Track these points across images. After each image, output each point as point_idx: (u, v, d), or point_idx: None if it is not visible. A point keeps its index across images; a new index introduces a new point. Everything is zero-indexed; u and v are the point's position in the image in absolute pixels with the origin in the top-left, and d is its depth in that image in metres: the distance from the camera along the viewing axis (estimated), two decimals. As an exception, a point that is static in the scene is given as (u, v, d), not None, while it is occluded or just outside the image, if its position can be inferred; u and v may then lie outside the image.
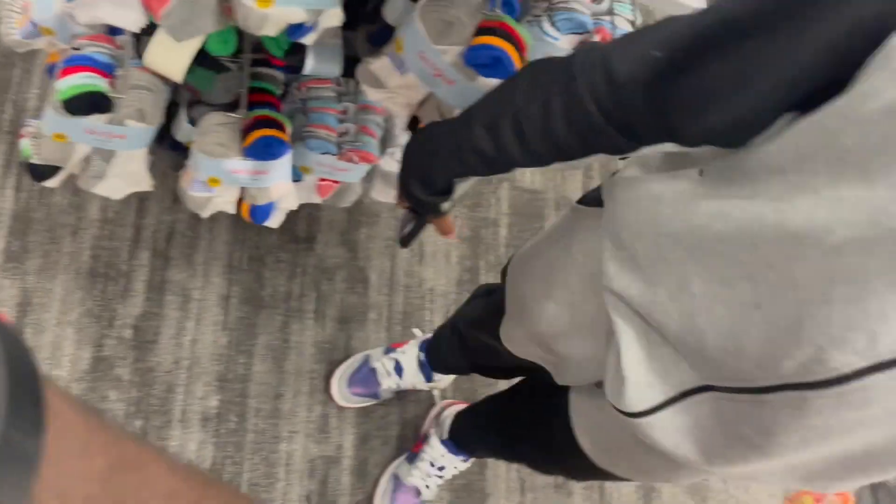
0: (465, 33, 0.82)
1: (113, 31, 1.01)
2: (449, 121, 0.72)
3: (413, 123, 0.97)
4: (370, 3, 0.97)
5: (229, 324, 1.44)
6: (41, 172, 1.12)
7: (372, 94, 0.93)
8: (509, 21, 0.82)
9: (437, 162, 0.73)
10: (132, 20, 0.83)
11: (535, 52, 0.89)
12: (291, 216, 1.54)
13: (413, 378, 1.43)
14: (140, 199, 1.42)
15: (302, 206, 1.48)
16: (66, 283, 1.31)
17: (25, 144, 1.11)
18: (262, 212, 1.14)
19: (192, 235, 1.45)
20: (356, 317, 1.56)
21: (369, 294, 1.59)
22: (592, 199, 0.77)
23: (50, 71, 1.11)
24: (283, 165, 1.09)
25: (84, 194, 1.35)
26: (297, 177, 1.22)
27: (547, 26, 0.90)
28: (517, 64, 0.82)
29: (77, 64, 0.99)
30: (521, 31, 0.83)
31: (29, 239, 1.30)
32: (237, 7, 0.80)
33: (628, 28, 0.90)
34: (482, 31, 0.82)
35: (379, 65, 0.88)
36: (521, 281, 0.90)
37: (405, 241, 0.90)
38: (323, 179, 1.24)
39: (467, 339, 1.19)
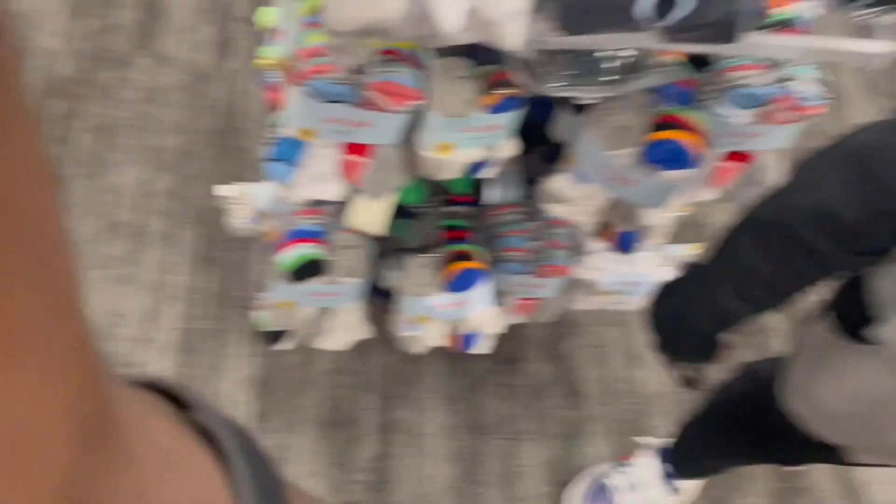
0: (636, 134, 0.82)
1: (319, 202, 1.15)
2: (683, 289, 0.79)
3: (601, 228, 0.97)
4: (541, 126, 1.02)
5: (457, 455, 1.46)
6: (274, 337, 1.26)
7: (556, 210, 0.95)
8: (679, 112, 0.82)
9: (691, 336, 0.80)
10: (335, 192, 0.93)
11: (717, 134, 0.88)
12: (499, 338, 1.58)
13: (655, 492, 1.34)
14: (360, 345, 1.53)
15: (509, 327, 1.51)
16: (309, 435, 1.42)
17: (259, 315, 1.25)
18: (470, 340, 1.18)
19: (411, 373, 1.52)
20: (574, 432, 1.53)
21: (583, 406, 1.55)
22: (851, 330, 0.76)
23: (273, 248, 1.26)
24: (482, 293, 1.14)
25: (313, 350, 1.49)
26: (498, 301, 1.25)
27: (723, 107, 0.88)
28: (699, 151, 0.81)
29: (294, 237, 1.12)
30: (695, 117, 0.82)
31: (273, 398, 1.44)
32: (421, 160, 0.88)
33: (816, 90, 0.85)
34: (656, 126, 0.82)
35: (559, 182, 0.91)
36: (827, 408, 0.85)
37: (695, 386, 0.94)
38: (522, 299, 1.27)
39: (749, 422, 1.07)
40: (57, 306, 0.18)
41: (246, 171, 1.63)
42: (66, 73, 1.67)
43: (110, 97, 1.61)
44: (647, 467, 1.36)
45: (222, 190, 1.56)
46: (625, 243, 0.97)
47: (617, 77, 0.76)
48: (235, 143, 1.65)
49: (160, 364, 1.41)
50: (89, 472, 0.19)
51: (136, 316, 1.44)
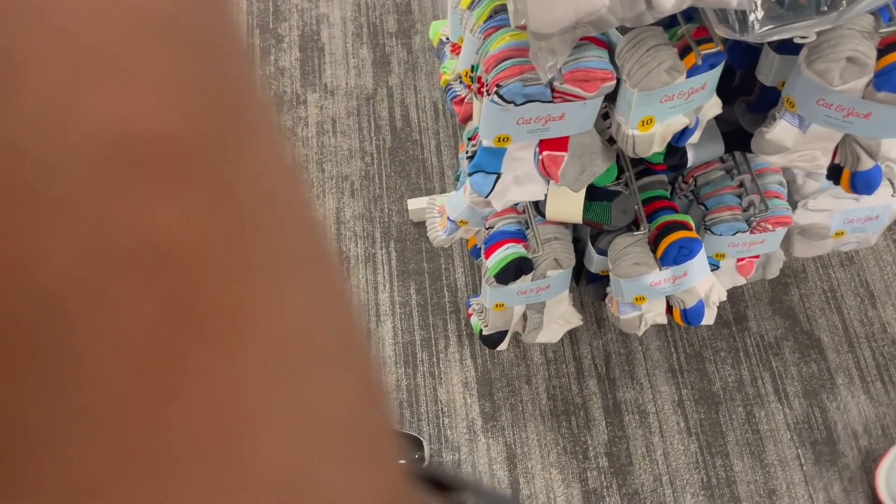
0: (867, 61, 0.73)
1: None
2: None
3: (834, 171, 0.88)
4: (737, 76, 0.94)
5: (693, 428, 1.40)
6: (493, 340, 1.27)
7: (776, 161, 0.87)
8: (917, 24, 0.72)
9: None
10: (537, 191, 0.91)
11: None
12: (713, 302, 1.49)
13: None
14: (570, 332, 1.51)
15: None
16: (536, 428, 1.43)
17: (475, 321, 1.27)
18: (694, 313, 1.12)
19: (626, 352, 1.48)
20: (818, 387, 1.41)
21: (828, 357, 1.43)
22: None
23: (474, 254, 1.27)
24: (699, 262, 1.07)
25: (525, 344, 1.49)
26: (714, 266, 1.18)
27: (960, 5, 0.76)
28: (949, 64, 0.70)
29: (496, 240, 1.12)
30: (936, 27, 0.71)
31: (495, 397, 1.46)
32: (623, 140, 0.84)
33: None
34: (888, 48, 0.72)
35: (776, 131, 0.83)
36: None
37: None
38: (741, 259, 1.18)
39: None
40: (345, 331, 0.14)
41: (426, 182, 1.66)
42: (247, 125, 1.79)
43: (290, 137, 1.70)
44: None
45: (412, 204, 1.60)
46: (864, 184, 0.86)
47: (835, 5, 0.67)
48: (410, 156, 1.69)
49: (386, 380, 1.47)
50: None
51: (355, 338, 1.52)
